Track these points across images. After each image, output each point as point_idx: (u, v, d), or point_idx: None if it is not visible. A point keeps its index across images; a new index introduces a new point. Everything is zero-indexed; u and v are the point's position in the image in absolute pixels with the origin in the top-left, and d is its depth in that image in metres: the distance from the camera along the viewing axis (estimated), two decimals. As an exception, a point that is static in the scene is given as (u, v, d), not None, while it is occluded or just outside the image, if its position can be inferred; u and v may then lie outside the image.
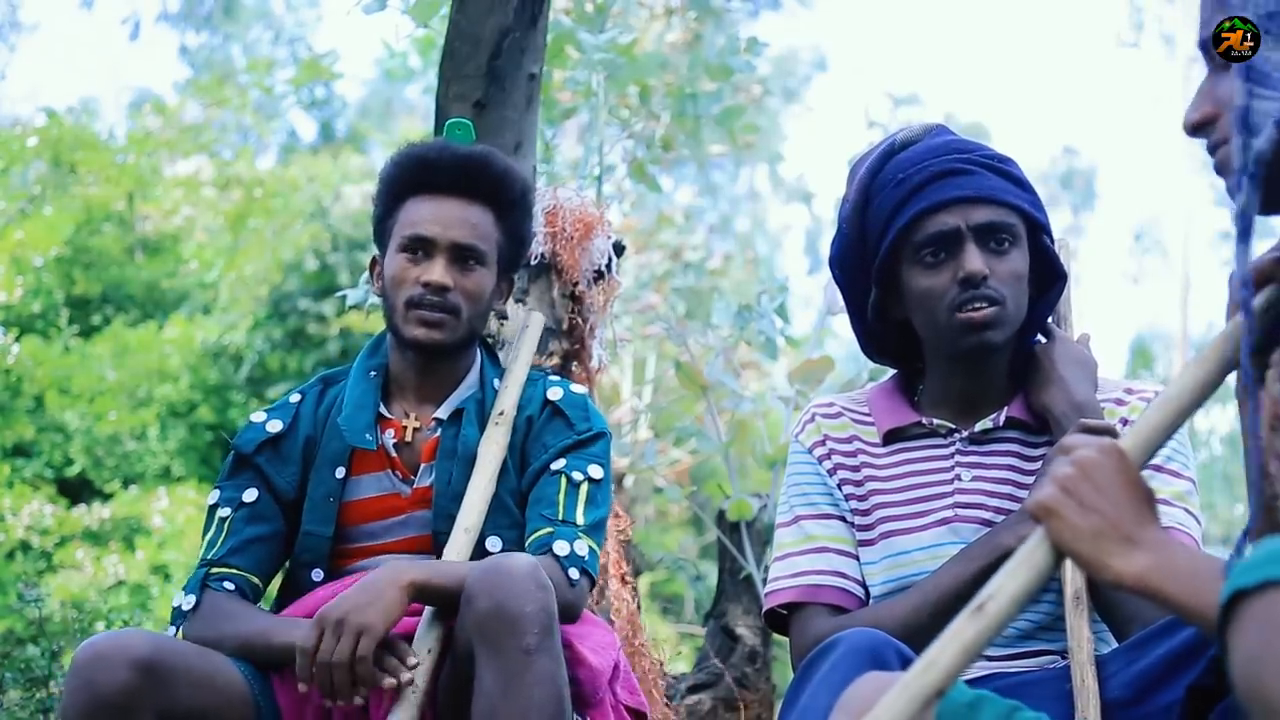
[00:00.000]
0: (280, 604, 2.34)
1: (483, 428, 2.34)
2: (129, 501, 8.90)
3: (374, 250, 2.44)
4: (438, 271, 2.28)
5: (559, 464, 2.30)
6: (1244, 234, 1.33)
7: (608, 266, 3.12)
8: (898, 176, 2.04)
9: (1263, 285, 1.40)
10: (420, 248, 2.29)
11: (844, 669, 1.57)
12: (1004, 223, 2.02)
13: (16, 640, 4.02)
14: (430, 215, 2.30)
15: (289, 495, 2.33)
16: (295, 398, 2.42)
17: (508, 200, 2.37)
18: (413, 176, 2.33)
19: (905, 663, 1.63)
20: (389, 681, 2.00)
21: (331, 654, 1.98)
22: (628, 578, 3.09)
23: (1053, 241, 2.12)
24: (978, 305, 1.99)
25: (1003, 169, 2.06)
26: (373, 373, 2.38)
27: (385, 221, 2.36)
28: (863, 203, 2.09)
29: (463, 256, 2.31)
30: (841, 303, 2.25)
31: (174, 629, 2.21)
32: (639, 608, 3.10)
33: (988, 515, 2.04)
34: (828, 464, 2.16)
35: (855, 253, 2.11)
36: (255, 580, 2.28)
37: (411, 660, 2.04)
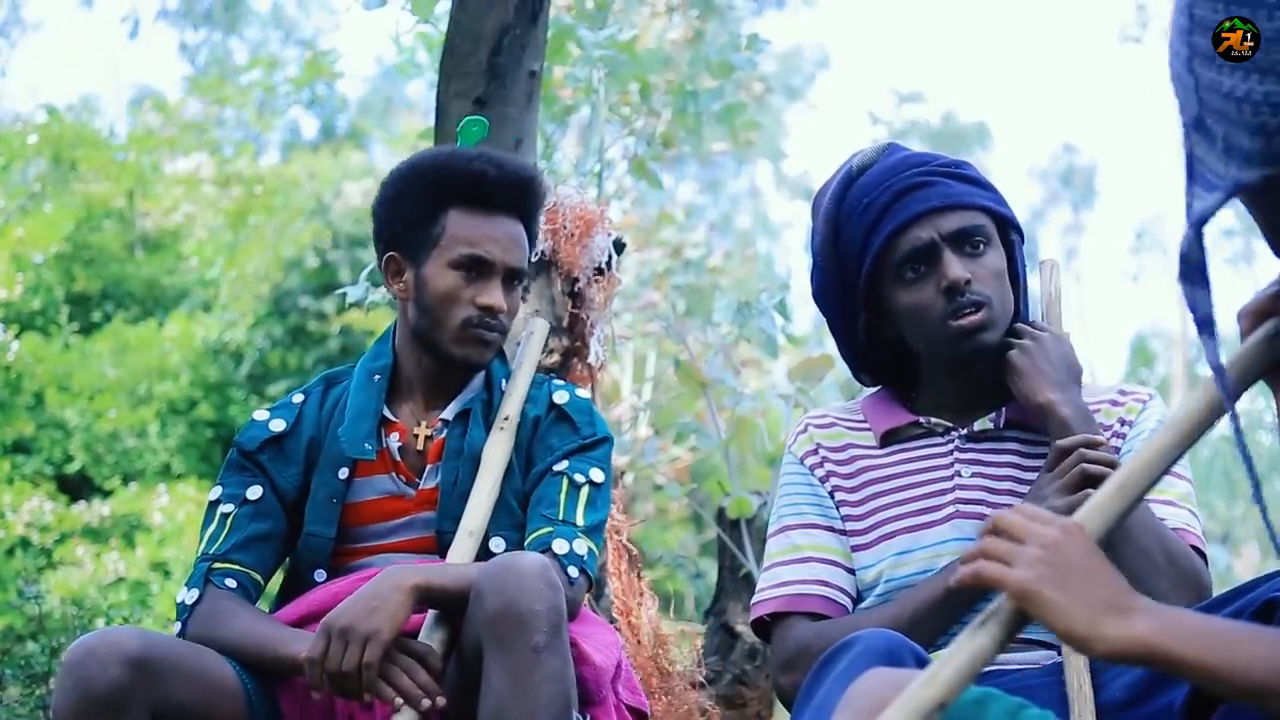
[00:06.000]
0: (281, 602, 2.33)
1: (489, 428, 2.33)
2: (129, 498, 8.89)
3: (374, 246, 2.41)
4: (497, 296, 2.28)
5: (562, 466, 2.30)
6: (1201, 326, 1.32)
7: (608, 263, 3.12)
8: (863, 201, 2.07)
9: (1264, 319, 1.40)
10: (476, 268, 2.28)
11: (860, 668, 1.56)
12: (974, 225, 2.05)
13: (16, 637, 4.00)
14: (489, 235, 2.28)
15: (291, 495, 2.32)
16: (298, 398, 2.41)
17: (537, 218, 2.40)
18: (463, 189, 2.29)
19: (921, 664, 1.63)
20: (398, 701, 1.99)
21: (340, 663, 1.98)
22: (626, 574, 3.08)
23: (1020, 232, 2.14)
24: (967, 311, 2.01)
25: (961, 174, 2.09)
26: (376, 376, 2.36)
27: (424, 228, 2.30)
28: (832, 233, 2.11)
29: (512, 278, 2.32)
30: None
31: (179, 624, 2.20)
32: (644, 602, 3.08)
33: (988, 512, 2.03)
34: (820, 472, 2.17)
35: (835, 283, 2.13)
36: (257, 577, 2.27)
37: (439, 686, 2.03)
